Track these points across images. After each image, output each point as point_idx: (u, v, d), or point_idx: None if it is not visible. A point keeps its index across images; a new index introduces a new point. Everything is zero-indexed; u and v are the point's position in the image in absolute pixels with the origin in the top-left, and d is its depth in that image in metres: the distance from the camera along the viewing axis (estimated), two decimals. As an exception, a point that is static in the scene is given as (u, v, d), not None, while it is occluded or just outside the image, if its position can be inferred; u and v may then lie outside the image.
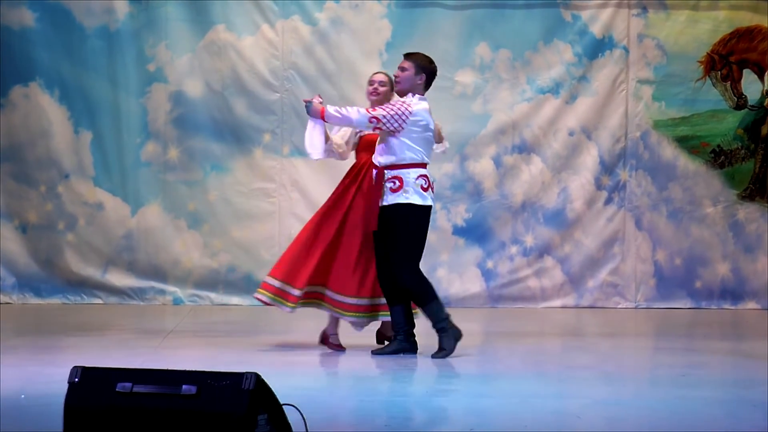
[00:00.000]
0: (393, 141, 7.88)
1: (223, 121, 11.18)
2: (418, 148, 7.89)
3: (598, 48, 11.32)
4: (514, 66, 11.25)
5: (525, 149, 11.25)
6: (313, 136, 8.05)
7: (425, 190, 7.88)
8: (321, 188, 11.20)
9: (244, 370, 4.41)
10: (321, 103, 8.00)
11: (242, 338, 9.08)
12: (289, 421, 4.59)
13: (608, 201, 11.40)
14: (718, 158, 11.44)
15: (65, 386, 4.48)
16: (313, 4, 11.19)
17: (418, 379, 7.32)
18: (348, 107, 7.99)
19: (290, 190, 11.23)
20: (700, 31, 11.38)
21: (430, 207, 7.95)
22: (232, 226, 11.22)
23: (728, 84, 11.39)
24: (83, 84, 11.11)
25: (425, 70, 7.97)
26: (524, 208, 11.31)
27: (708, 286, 11.41)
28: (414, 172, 7.86)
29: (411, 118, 7.84)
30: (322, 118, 7.94)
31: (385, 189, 7.91)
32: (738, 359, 8.30)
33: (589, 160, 11.36)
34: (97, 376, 4.47)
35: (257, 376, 4.38)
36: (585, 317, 10.90)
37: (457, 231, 11.31)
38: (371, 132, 8.12)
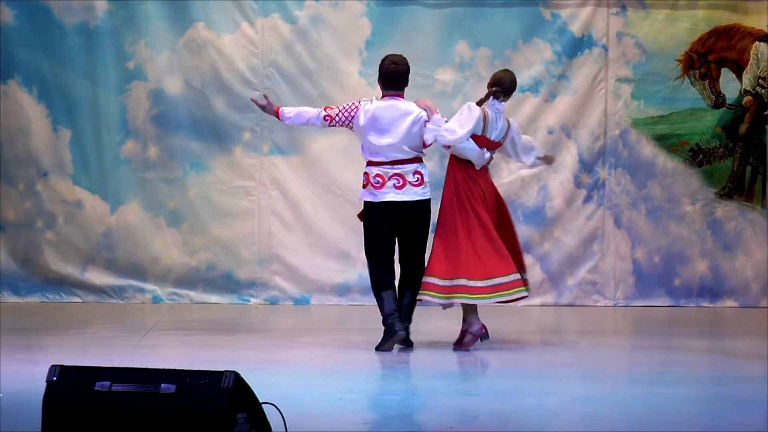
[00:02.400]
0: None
1: (203, 119, 11.16)
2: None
3: (577, 46, 11.34)
4: (493, 64, 11.25)
5: (504, 147, 11.25)
6: None
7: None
8: (300, 186, 11.21)
9: (223, 369, 4.41)
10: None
11: (221, 336, 9.08)
12: (269, 420, 4.59)
13: (587, 199, 11.43)
14: (697, 156, 11.48)
15: (44, 385, 4.48)
16: (293, 3, 11.18)
17: (397, 378, 7.33)
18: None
19: (270, 188, 11.22)
20: (678, 29, 11.41)
21: None
22: (212, 224, 11.21)
23: (706, 83, 11.43)
24: (62, 82, 11.08)
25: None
26: (504, 206, 11.31)
27: (686, 284, 11.45)
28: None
29: None
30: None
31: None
32: (716, 357, 8.34)
33: (569, 158, 11.38)
34: (76, 375, 4.46)
35: (236, 375, 4.38)
36: (564, 315, 10.93)
37: (437, 229, 11.30)
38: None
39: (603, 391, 6.76)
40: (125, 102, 11.13)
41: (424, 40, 11.19)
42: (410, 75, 8.50)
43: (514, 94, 8.69)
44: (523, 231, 11.26)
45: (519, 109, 11.25)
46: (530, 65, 11.28)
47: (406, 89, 8.42)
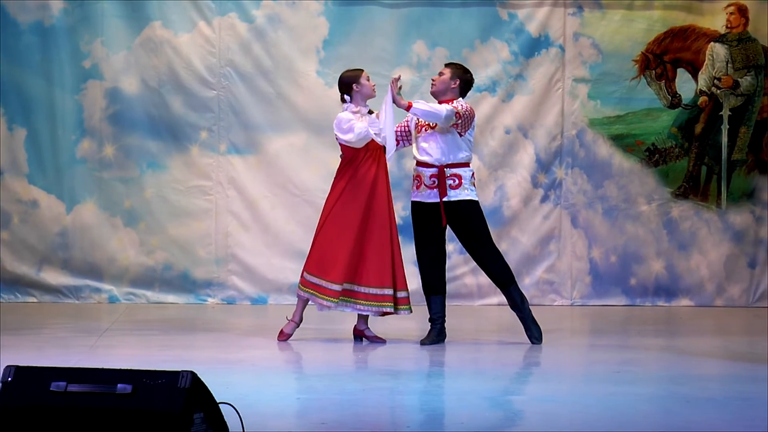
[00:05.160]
0: (457, 140, 8.53)
1: (160, 119, 11.12)
2: (470, 147, 8.66)
3: (534, 47, 11.38)
4: (451, 64, 11.27)
5: (462, 147, 11.27)
6: (387, 127, 8.41)
7: (474, 186, 8.64)
8: (258, 186, 11.19)
9: (180, 369, 4.40)
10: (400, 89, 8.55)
11: (178, 336, 9.05)
12: (226, 420, 4.58)
13: (544, 199, 11.47)
14: (653, 156, 11.55)
15: (-2, 386, 4.45)
16: (250, 2, 11.15)
17: (354, 377, 7.33)
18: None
19: (227, 187, 11.19)
20: (634, 30, 11.48)
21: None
22: (169, 223, 11.17)
23: (662, 83, 11.50)
24: (17, 80, 11.00)
25: (460, 77, 8.66)
26: (461, 205, 11.33)
27: (642, 284, 11.51)
28: (469, 171, 8.57)
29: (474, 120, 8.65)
30: (407, 110, 8.48)
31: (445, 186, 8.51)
32: (671, 355, 8.39)
33: (526, 158, 11.42)
34: (31, 375, 4.44)
35: (193, 375, 4.37)
36: (521, 314, 10.94)
37: (395, 229, 11.30)
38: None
39: (560, 391, 6.79)
40: (81, 101, 11.07)
41: (382, 40, 11.20)
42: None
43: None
44: (480, 230, 11.28)
45: (476, 108, 11.22)
46: (487, 65, 11.31)
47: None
